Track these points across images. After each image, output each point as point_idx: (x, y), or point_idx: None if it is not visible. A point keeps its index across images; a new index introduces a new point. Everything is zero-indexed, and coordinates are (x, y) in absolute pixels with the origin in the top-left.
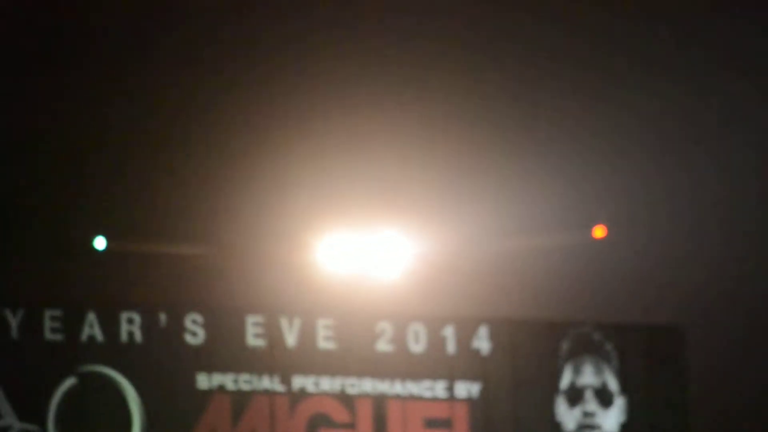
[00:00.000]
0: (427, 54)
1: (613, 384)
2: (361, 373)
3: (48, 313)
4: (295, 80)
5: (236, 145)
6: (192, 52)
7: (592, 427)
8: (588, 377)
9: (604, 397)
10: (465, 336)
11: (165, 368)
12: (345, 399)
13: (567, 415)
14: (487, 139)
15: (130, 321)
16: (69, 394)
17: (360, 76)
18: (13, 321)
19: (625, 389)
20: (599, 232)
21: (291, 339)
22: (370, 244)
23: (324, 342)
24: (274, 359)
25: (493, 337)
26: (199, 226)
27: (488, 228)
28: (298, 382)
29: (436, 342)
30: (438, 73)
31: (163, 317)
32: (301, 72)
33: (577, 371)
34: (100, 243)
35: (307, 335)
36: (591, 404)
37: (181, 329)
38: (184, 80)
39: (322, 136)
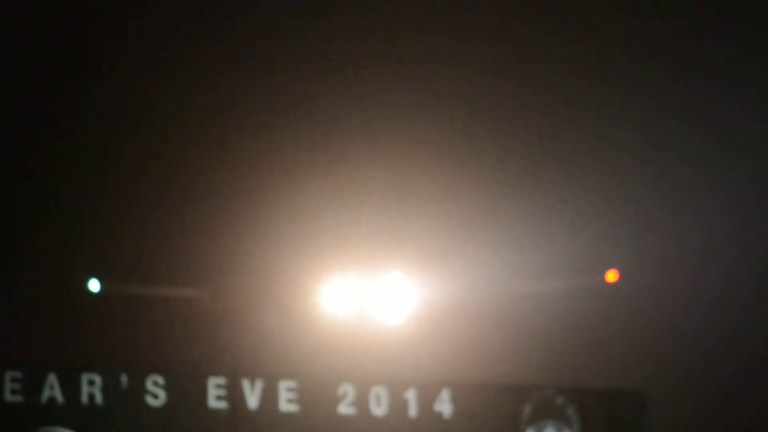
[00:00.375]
0: (432, 94)
1: None
2: None
3: (8, 375)
4: (296, 119)
5: (237, 188)
6: (192, 98)
7: None
8: None
9: None
10: (427, 399)
11: (126, 430)
12: None
13: None
14: (494, 184)
15: (91, 383)
16: None
17: (364, 118)
18: None
19: None
20: (612, 276)
21: (253, 401)
22: (373, 288)
23: (286, 404)
24: (235, 421)
25: (456, 400)
26: (198, 270)
27: (495, 273)
28: None
29: (398, 405)
30: (443, 116)
31: (124, 379)
32: (304, 111)
33: None
34: (94, 285)
35: (269, 397)
36: None
37: (143, 391)
38: (182, 123)
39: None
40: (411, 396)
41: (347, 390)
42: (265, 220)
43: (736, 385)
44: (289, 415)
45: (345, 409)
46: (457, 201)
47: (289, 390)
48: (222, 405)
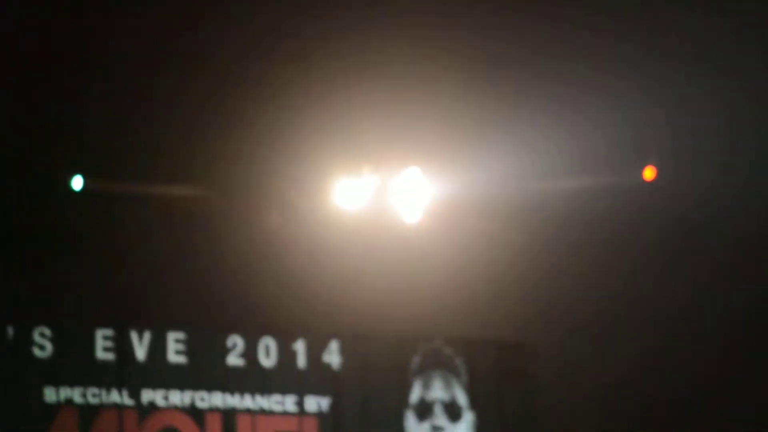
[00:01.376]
0: None
1: (462, 399)
2: (211, 387)
3: None
4: (308, 5)
5: (239, 74)
6: None
7: None
8: (437, 392)
9: (453, 412)
10: (316, 350)
11: (11, 382)
12: (195, 413)
13: (416, 429)
14: (518, 71)
15: None
16: None
17: (380, 5)
18: None
19: (474, 404)
20: (649, 173)
21: (141, 353)
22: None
23: (174, 356)
24: (123, 373)
25: (344, 351)
26: (197, 166)
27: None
28: (147, 395)
29: (286, 356)
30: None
31: (10, 330)
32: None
33: (426, 386)
34: (77, 183)
35: (158, 349)
36: (440, 418)
37: (29, 342)
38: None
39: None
40: (300, 347)
41: (236, 341)
42: (269, 112)
43: (621, 333)
44: (177, 366)
45: (234, 360)
46: (478, 91)
47: (178, 341)
48: (109, 356)
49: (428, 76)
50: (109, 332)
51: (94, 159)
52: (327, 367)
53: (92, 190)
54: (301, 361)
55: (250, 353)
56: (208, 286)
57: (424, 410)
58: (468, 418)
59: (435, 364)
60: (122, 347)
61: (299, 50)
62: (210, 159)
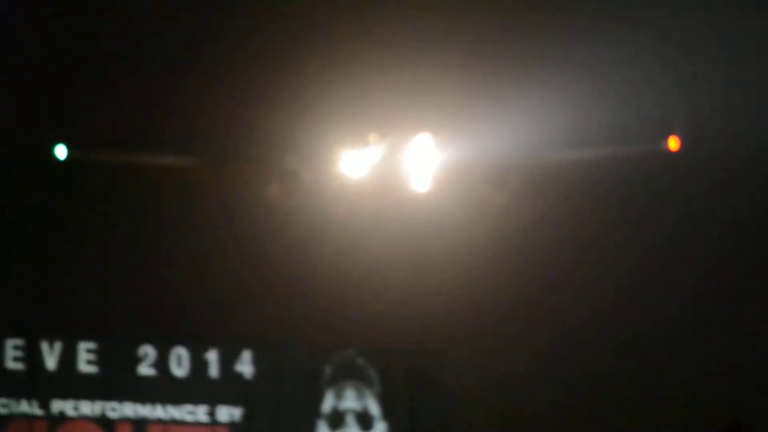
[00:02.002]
0: None
1: (374, 408)
2: (122, 397)
3: None
4: None
5: (236, 39)
6: None
7: None
8: (350, 402)
9: (366, 422)
10: (228, 360)
11: None
12: (105, 423)
13: None
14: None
15: None
16: None
17: None
18: None
19: (386, 414)
20: (673, 143)
21: (51, 362)
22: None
23: (85, 366)
24: (32, 383)
25: (257, 361)
26: (192, 136)
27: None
28: (58, 406)
29: (199, 366)
30: None
31: None
32: None
33: (339, 396)
34: (61, 152)
35: (68, 359)
36: (352, 428)
37: None
38: None
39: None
40: (212, 357)
41: (147, 351)
42: (271, 77)
43: (528, 338)
44: (88, 376)
45: (145, 369)
46: (494, 56)
47: (89, 351)
48: (19, 366)
49: (440, 41)
50: (18, 342)
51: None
52: (239, 376)
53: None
54: (214, 370)
55: (162, 363)
56: (122, 294)
57: (336, 420)
58: (380, 428)
59: (348, 375)
60: (32, 357)
61: (303, 15)
62: (201, 127)
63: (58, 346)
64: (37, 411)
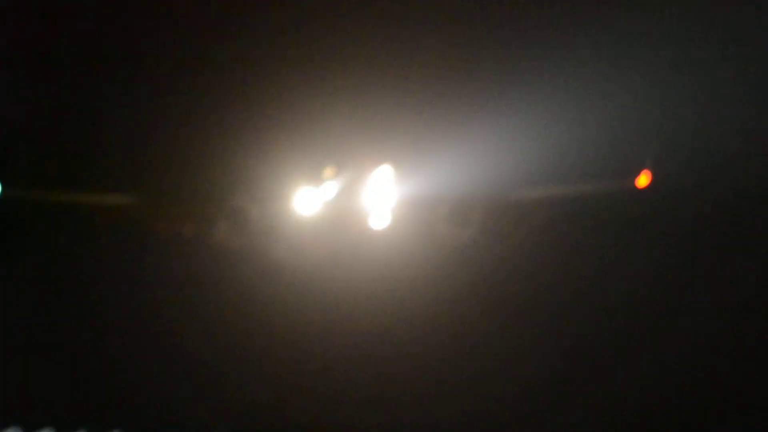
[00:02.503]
0: None
1: None
2: None
3: None
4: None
5: (185, 73)
6: None
7: None
8: None
9: None
10: None
11: None
12: None
13: None
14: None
15: None
16: None
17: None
18: None
19: None
20: (643, 180)
21: None
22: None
23: None
24: None
25: None
26: (132, 173)
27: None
28: None
29: None
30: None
31: None
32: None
33: None
34: None
35: None
36: None
37: None
38: None
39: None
40: None
41: None
42: (223, 114)
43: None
44: None
45: None
46: (459, 89)
47: None
48: None
49: (401, 72)
50: None
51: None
52: None
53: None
54: None
55: None
56: None
57: None
58: None
59: None
60: None
61: (255, 47)
62: (143, 165)
63: None
64: None
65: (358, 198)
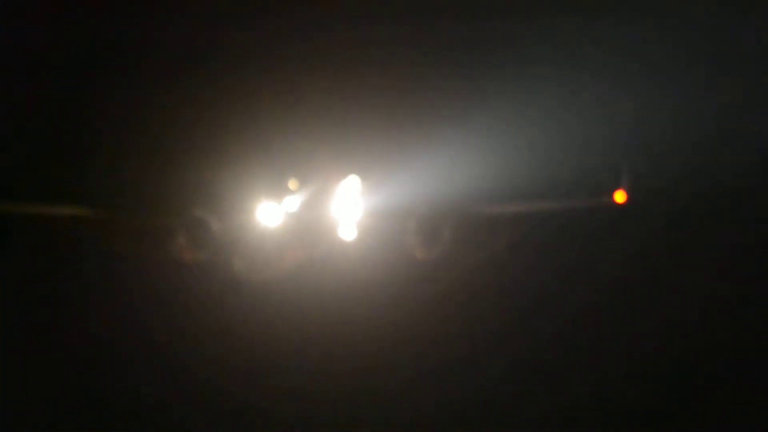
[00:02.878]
0: None
1: None
2: None
3: None
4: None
5: (145, 85)
6: None
7: None
8: None
9: None
10: None
11: None
12: None
13: None
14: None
15: None
16: None
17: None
18: None
19: None
20: (620, 196)
21: None
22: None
23: None
24: None
25: None
26: (90, 185)
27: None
28: None
29: None
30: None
31: None
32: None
33: None
34: None
35: None
36: None
37: None
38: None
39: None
40: None
41: None
42: (184, 126)
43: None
44: None
45: None
46: (429, 99)
47: None
48: None
49: (370, 82)
50: None
51: None
52: None
53: None
54: None
55: None
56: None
57: None
58: None
59: None
60: None
61: (220, 60)
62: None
63: None
64: None
65: (324, 210)
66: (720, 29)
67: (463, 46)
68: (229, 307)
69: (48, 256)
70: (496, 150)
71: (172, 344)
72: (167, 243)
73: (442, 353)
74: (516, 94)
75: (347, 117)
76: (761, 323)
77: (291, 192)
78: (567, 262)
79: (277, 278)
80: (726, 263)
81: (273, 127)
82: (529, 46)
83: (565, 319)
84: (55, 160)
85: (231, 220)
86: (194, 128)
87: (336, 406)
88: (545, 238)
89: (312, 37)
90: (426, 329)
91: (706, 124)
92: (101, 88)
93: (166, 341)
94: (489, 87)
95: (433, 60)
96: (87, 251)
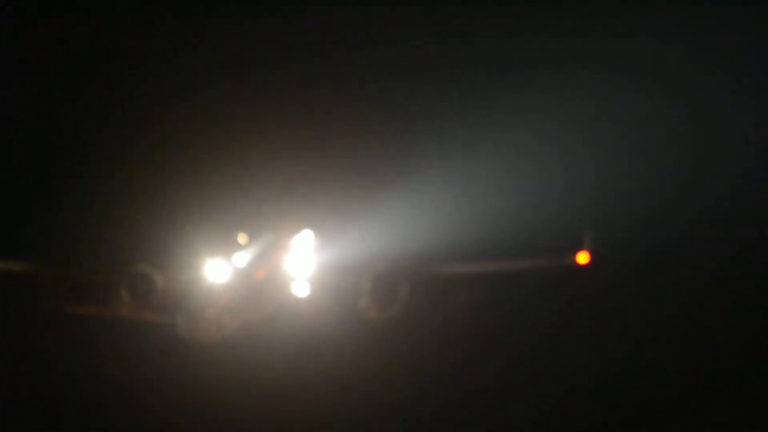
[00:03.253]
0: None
1: None
2: None
3: None
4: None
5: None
6: None
7: None
8: None
9: None
10: None
11: None
12: None
13: None
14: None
15: None
16: None
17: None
18: None
19: None
20: (583, 257)
21: None
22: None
23: None
24: None
25: None
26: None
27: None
28: None
29: None
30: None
31: None
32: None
33: None
34: None
35: None
36: None
37: None
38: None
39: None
40: None
41: None
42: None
43: None
44: None
45: None
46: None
47: None
48: None
49: (331, 133)
50: None
51: None
52: None
53: None
54: None
55: None
56: None
57: None
58: None
59: None
60: None
61: (171, 113)
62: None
63: None
64: None
65: (275, 265)
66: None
67: (426, 102)
68: (171, 369)
69: None
70: (458, 206)
71: (106, 411)
72: (108, 299)
73: (397, 418)
74: (480, 148)
75: (301, 167)
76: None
77: (240, 246)
78: (529, 324)
79: (224, 339)
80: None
81: (223, 175)
82: (495, 98)
83: (528, 383)
84: None
85: (176, 276)
86: (138, 174)
87: None
88: (505, 300)
89: (271, 88)
90: (382, 392)
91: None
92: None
93: (100, 407)
94: (453, 140)
95: (396, 113)
96: (20, 308)
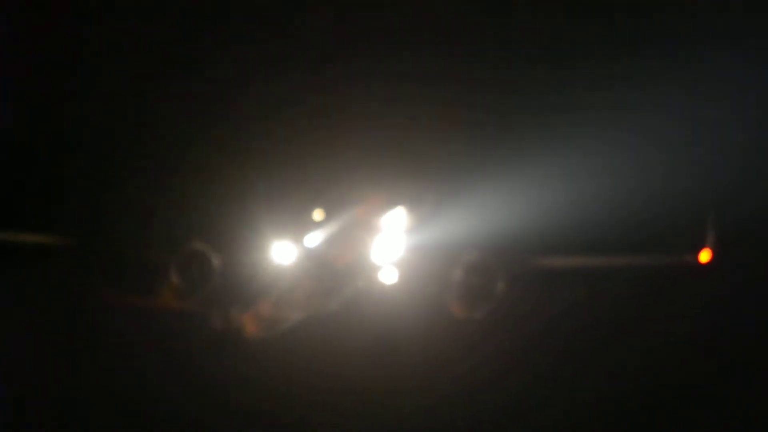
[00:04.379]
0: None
1: None
2: None
3: None
4: None
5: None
6: None
7: None
8: None
9: None
10: None
11: None
12: None
13: None
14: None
15: None
16: None
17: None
18: None
19: None
20: (705, 255)
21: None
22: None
23: None
24: None
25: None
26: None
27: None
28: None
29: None
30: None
31: None
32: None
33: None
34: None
35: None
36: None
37: None
38: None
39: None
40: None
41: None
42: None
43: None
44: None
45: None
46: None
47: None
48: None
49: (427, 96)
50: None
51: None
52: None
53: None
54: None
55: None
56: None
57: None
58: None
59: None
60: None
61: (240, 84)
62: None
63: None
64: None
65: (357, 247)
66: None
67: (539, 89)
68: (225, 368)
69: (14, 290)
70: (566, 193)
71: (147, 408)
72: (155, 282)
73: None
74: (595, 135)
75: (395, 133)
76: None
77: (315, 224)
78: (643, 329)
79: (290, 332)
80: None
81: (298, 140)
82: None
83: (639, 393)
84: (26, 178)
85: (237, 258)
86: (196, 141)
87: None
88: (617, 300)
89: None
90: (469, 397)
91: None
92: (82, 98)
93: (141, 402)
94: (564, 126)
95: (510, 99)
96: (58, 287)
